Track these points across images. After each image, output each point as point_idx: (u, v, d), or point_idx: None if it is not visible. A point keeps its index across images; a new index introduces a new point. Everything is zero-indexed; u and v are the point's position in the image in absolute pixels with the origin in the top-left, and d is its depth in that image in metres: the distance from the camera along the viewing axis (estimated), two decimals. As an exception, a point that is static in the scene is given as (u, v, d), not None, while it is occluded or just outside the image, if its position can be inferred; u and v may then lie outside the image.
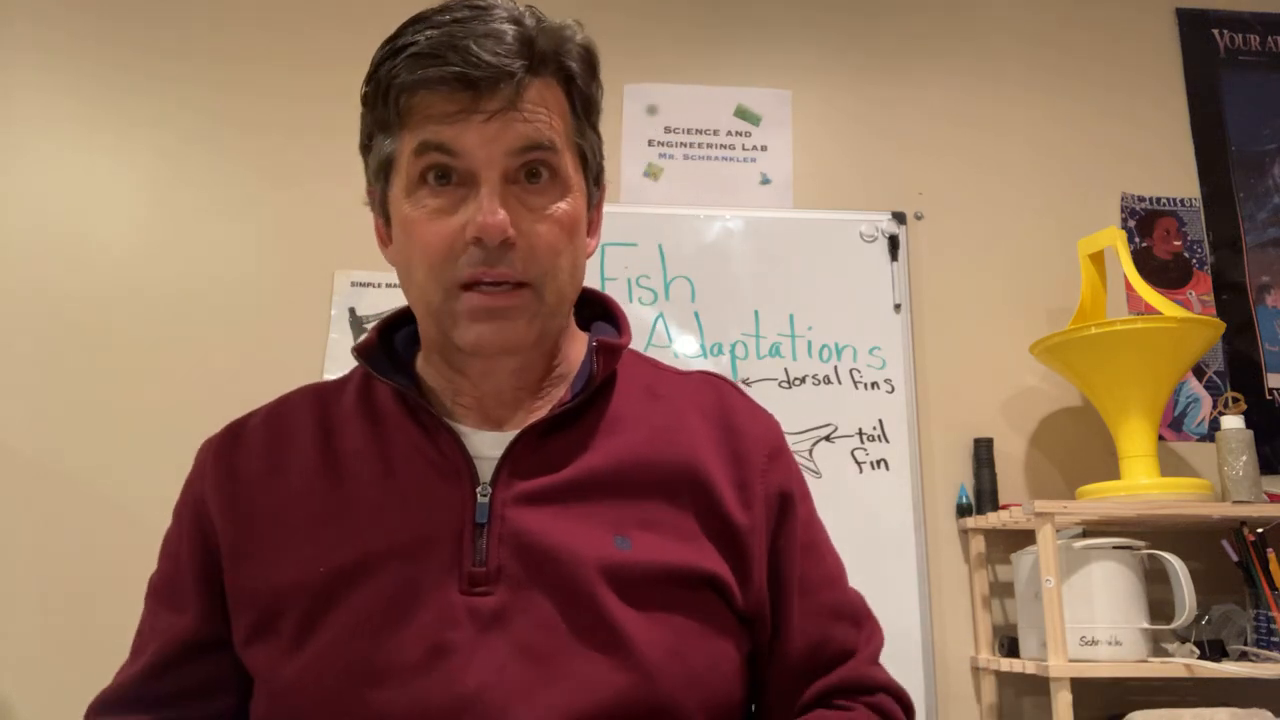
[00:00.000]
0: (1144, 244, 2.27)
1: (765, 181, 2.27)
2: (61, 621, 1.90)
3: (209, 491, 0.80)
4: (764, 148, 2.29)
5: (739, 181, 2.27)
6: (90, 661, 1.74)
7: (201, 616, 0.79)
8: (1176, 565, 1.73)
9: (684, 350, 2.12)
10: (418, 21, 0.74)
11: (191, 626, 0.79)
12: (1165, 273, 2.26)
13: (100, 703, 0.80)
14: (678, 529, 0.77)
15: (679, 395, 0.86)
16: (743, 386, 2.03)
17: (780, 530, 0.82)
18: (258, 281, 2.11)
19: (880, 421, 2.10)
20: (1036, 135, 2.34)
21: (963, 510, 2.07)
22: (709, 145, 2.29)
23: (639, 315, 2.12)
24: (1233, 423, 1.93)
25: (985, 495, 2.04)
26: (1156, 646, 1.82)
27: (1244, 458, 1.89)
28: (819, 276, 2.17)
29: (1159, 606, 1.86)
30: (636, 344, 1.71)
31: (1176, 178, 2.32)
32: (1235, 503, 1.85)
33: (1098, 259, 2.07)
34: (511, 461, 0.77)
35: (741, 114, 2.31)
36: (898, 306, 2.17)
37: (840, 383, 2.12)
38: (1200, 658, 1.74)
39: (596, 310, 0.91)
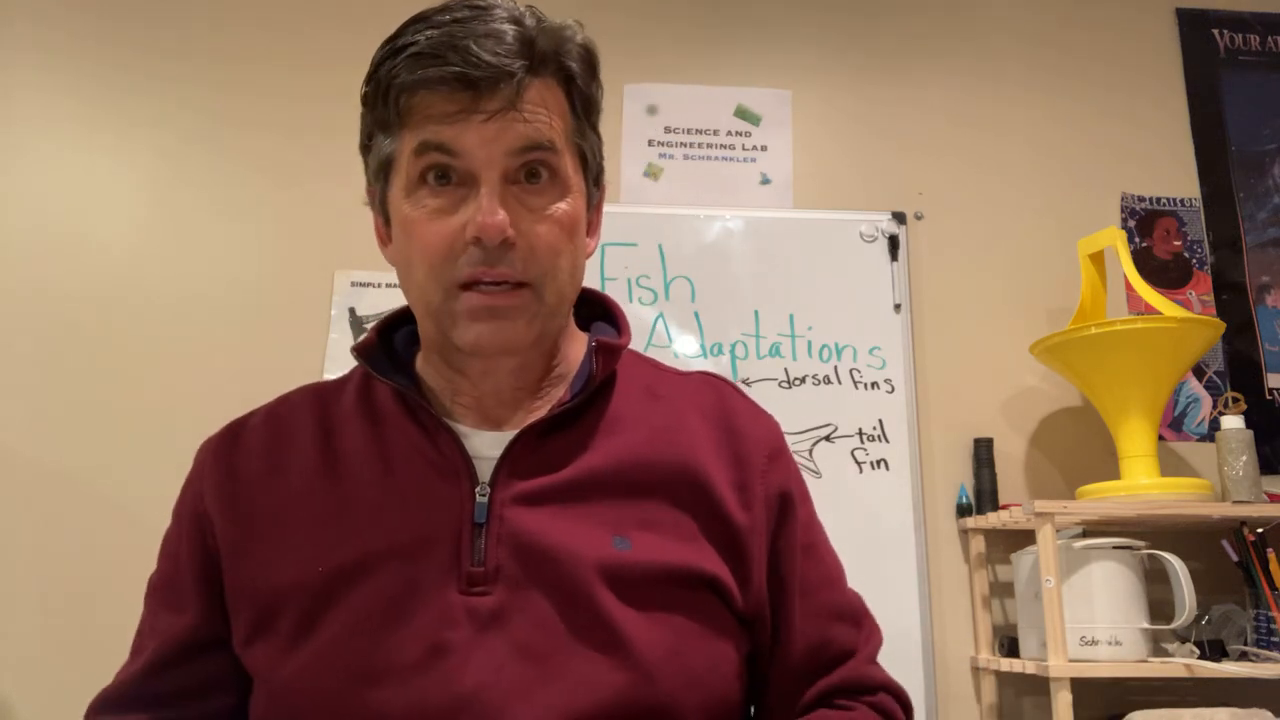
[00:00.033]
0: (1144, 244, 2.27)
1: (765, 181, 2.27)
2: (61, 621, 1.90)
3: (208, 492, 0.80)
4: (764, 148, 2.29)
5: (739, 181, 2.27)
6: (90, 661, 1.74)
7: (200, 616, 0.79)
8: (1176, 565, 1.73)
9: (684, 350, 2.12)
10: (418, 21, 0.74)
11: (190, 626, 0.79)
12: (1165, 273, 2.26)
13: (100, 702, 0.81)
14: (677, 530, 0.77)
15: (679, 396, 0.86)
16: (743, 387, 2.03)
17: (780, 532, 0.82)
18: (258, 281, 2.12)
19: (880, 421, 2.10)
20: (1036, 135, 2.34)
21: (963, 510, 2.07)
22: (709, 145, 2.29)
23: (639, 315, 2.12)
24: (1233, 423, 1.93)
25: (985, 495, 2.04)
26: (1156, 646, 1.82)
27: (1244, 458, 1.89)
28: (819, 276, 2.17)
29: (1159, 606, 1.86)
30: (636, 344, 1.70)
31: (1176, 178, 2.32)
32: (1235, 503, 1.85)
33: (1098, 259, 2.07)
34: (510, 461, 0.77)
35: (741, 114, 2.31)
36: (898, 306, 2.17)
37: (840, 383, 2.12)
38: (1200, 658, 1.74)
39: (596, 310, 0.91)
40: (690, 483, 0.79)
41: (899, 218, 2.23)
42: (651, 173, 2.26)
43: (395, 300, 0.89)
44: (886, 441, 2.09)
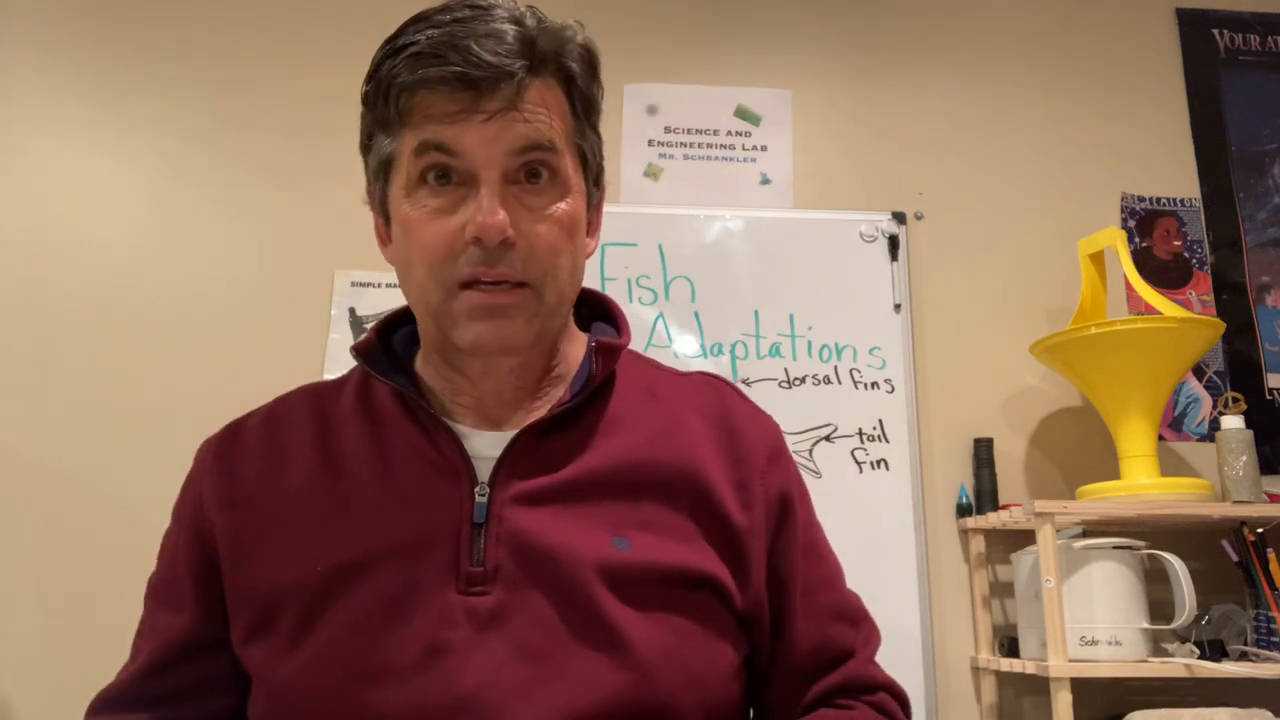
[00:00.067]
0: (1144, 244, 2.28)
1: (765, 181, 2.27)
2: (61, 621, 1.90)
3: (207, 492, 0.81)
4: (764, 148, 2.29)
5: (739, 181, 2.27)
6: (90, 661, 1.74)
7: (198, 617, 0.79)
8: (1176, 565, 1.73)
9: (684, 350, 2.12)
10: (418, 21, 0.74)
11: (188, 627, 0.79)
12: (1165, 273, 2.26)
13: (100, 701, 0.81)
14: (676, 530, 0.77)
15: (678, 396, 0.86)
16: (743, 388, 2.03)
17: (780, 533, 0.82)
18: (258, 281, 2.12)
19: (880, 421, 2.10)
20: (1036, 135, 2.34)
21: (963, 510, 2.07)
22: (709, 145, 2.29)
23: (639, 315, 2.12)
24: (1233, 423, 1.93)
25: (985, 495, 2.04)
26: (1156, 646, 1.82)
27: (1244, 458, 1.89)
28: (819, 276, 2.17)
29: (1159, 606, 1.86)
30: (636, 344, 1.70)
31: (1176, 178, 2.32)
32: (1235, 503, 1.85)
33: (1098, 259, 2.07)
34: (510, 461, 0.77)
35: (741, 114, 2.31)
36: (898, 306, 2.17)
37: (840, 383, 2.12)
38: (1200, 658, 1.74)
39: (595, 310, 0.91)
40: (689, 483, 0.79)
41: (899, 218, 2.23)
42: (651, 173, 2.26)
43: (395, 300, 0.89)
44: (886, 441, 2.09)
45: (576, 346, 0.86)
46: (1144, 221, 2.29)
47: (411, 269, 0.77)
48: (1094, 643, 1.73)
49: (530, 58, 0.74)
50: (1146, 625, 1.77)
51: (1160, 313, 1.90)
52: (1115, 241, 2.01)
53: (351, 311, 2.10)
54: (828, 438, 2.08)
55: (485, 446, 0.78)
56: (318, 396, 0.85)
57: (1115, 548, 1.79)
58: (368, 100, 0.78)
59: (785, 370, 2.12)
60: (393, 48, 0.75)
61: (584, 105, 0.80)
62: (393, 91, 0.74)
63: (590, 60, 0.80)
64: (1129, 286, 2.10)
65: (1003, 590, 2.06)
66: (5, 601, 1.91)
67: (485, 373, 0.80)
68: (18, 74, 2.19)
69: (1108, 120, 2.35)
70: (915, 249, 2.23)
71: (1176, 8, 2.43)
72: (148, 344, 2.06)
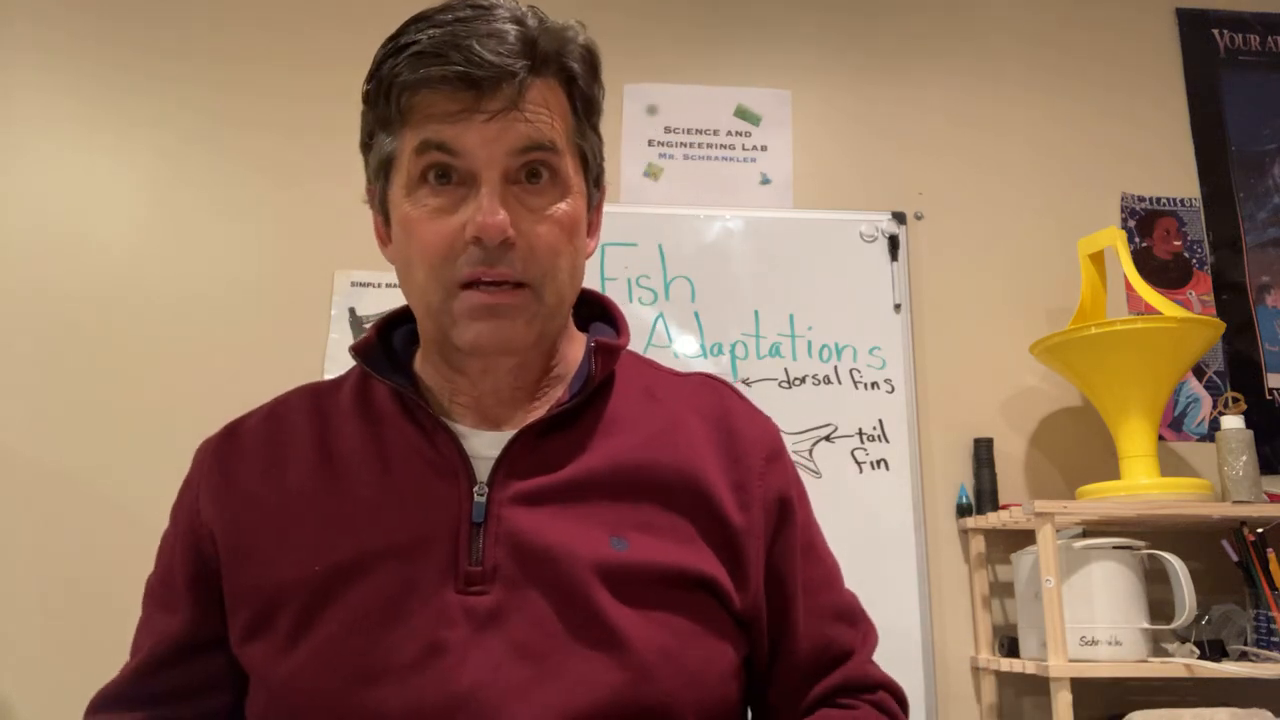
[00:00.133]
0: (1144, 244, 2.28)
1: (765, 181, 2.27)
2: (61, 621, 1.90)
3: (205, 493, 0.81)
4: (764, 148, 2.29)
5: (739, 181, 2.27)
6: (90, 661, 1.74)
7: (192, 618, 0.79)
8: (1176, 565, 1.73)
9: (684, 350, 2.12)
10: (420, 20, 0.74)
11: (183, 628, 0.79)
12: (1165, 273, 2.26)
13: (99, 700, 0.81)
14: (675, 531, 0.77)
15: (677, 397, 0.86)
16: (742, 388, 2.03)
17: (780, 535, 0.82)
18: (258, 281, 2.12)
19: (880, 421, 2.10)
20: (1036, 135, 2.34)
21: (963, 510, 2.07)
22: (709, 145, 2.29)
23: (639, 315, 2.12)
24: (1233, 423, 1.93)
25: (985, 495, 2.04)
26: (1156, 646, 1.82)
27: (1244, 458, 1.89)
28: (819, 276, 2.18)
29: (1159, 606, 1.86)
30: (636, 344, 1.70)
31: (1176, 178, 2.32)
32: (1235, 503, 1.85)
33: (1098, 259, 2.07)
34: (509, 461, 0.77)
35: (741, 114, 2.31)
36: (898, 306, 2.17)
37: (840, 383, 2.12)
38: (1200, 658, 1.74)
39: (595, 311, 0.91)
40: (688, 485, 0.79)
41: (899, 218, 2.23)
42: (651, 173, 2.26)
43: (395, 300, 0.89)
44: (886, 441, 2.09)
45: (576, 347, 0.86)
46: (1144, 221, 2.29)
47: (411, 268, 0.76)
48: (1094, 643, 1.73)
49: (532, 58, 0.74)
50: (1146, 625, 1.77)
51: (1160, 313, 1.90)
52: (1115, 241, 2.01)
53: (351, 311, 2.10)
54: (828, 438, 2.08)
55: (484, 446, 0.78)
56: (316, 396, 0.85)
57: (1115, 548, 1.79)
58: (368, 99, 0.77)
59: (785, 370, 2.12)
60: (394, 47, 0.75)
61: (585, 106, 0.80)
62: (394, 90, 0.74)
63: (591, 61, 0.80)
64: (1129, 286, 2.10)
65: (1003, 590, 2.06)
66: (5, 601, 1.91)
67: (485, 373, 0.80)
68: (18, 74, 2.19)
69: (1108, 120, 2.35)
70: (915, 249, 2.23)
71: (1176, 8, 2.44)
72: (148, 344, 2.06)
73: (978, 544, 2.04)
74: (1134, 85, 2.38)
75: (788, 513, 0.83)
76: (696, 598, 0.76)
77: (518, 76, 0.73)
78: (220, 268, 2.12)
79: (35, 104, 2.17)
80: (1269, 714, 1.62)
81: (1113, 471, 1.99)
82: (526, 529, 0.74)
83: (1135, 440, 1.89)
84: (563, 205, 0.77)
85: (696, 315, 2.14)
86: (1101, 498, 1.87)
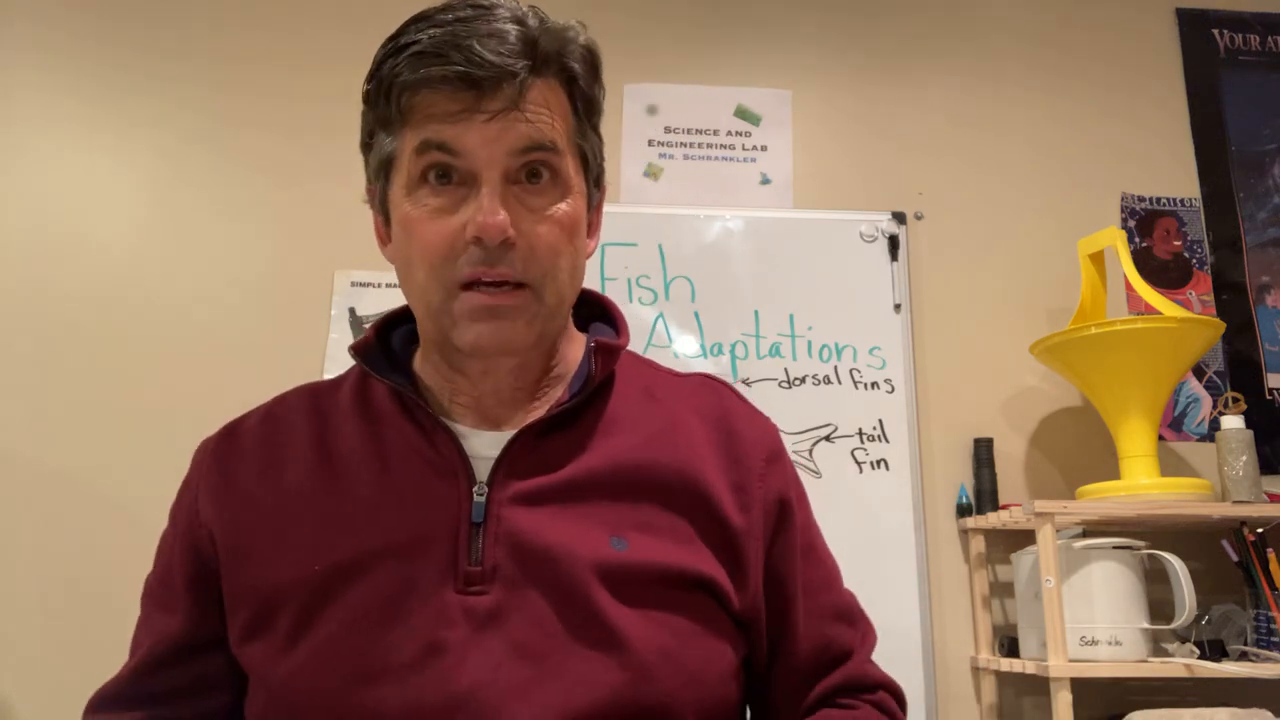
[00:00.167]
0: (1144, 244, 2.28)
1: (765, 181, 2.27)
2: (61, 621, 1.90)
3: (204, 493, 0.81)
4: (764, 148, 2.29)
5: (739, 181, 2.27)
6: (90, 661, 1.74)
7: (190, 619, 0.79)
8: (1176, 565, 1.73)
9: (684, 350, 2.12)
10: (420, 20, 0.74)
11: (181, 628, 0.79)
12: (1165, 273, 2.26)
13: (97, 699, 0.81)
14: (674, 532, 0.77)
15: (677, 398, 0.86)
16: (742, 388, 2.03)
17: (779, 536, 0.82)
18: (258, 281, 2.12)
19: (880, 421, 2.10)
20: (1036, 135, 2.34)
21: (963, 510, 2.07)
22: (709, 145, 2.29)
23: (639, 315, 2.12)
24: (1233, 423, 1.93)
25: (985, 495, 2.04)
26: (1156, 646, 1.82)
27: (1244, 458, 1.89)
28: (819, 276, 2.18)
29: (1159, 606, 1.86)
30: (636, 344, 1.70)
31: (1176, 178, 2.32)
32: (1235, 503, 1.85)
33: (1098, 259, 2.07)
34: (508, 461, 0.77)
35: (741, 114, 2.31)
36: (898, 306, 2.17)
37: (840, 383, 2.12)
38: (1200, 658, 1.74)
39: (594, 311, 0.91)
40: (688, 485, 0.79)
41: (899, 218, 2.23)
42: (651, 173, 2.26)
43: (395, 300, 0.89)
44: (886, 441, 2.09)
45: (575, 347, 0.86)
46: (1144, 221, 2.29)
47: (412, 268, 0.76)
48: (1094, 643, 1.73)
49: (533, 58, 0.74)
50: (1146, 625, 1.77)
51: (1160, 313, 1.90)
52: (1115, 241, 2.01)
53: (351, 311, 2.10)
54: (828, 438, 2.08)
55: (484, 446, 0.78)
56: (315, 396, 0.85)
57: (1115, 548, 1.79)
58: (369, 99, 0.77)
59: (785, 370, 2.12)
60: (394, 46, 0.75)
61: (585, 106, 0.80)
62: (394, 90, 0.74)
63: (592, 61, 0.80)
64: (1129, 286, 2.10)
65: (1003, 590, 2.06)
66: (5, 601, 1.91)
67: (485, 373, 0.80)
68: (18, 74, 2.18)
69: (1108, 120, 2.35)
70: (915, 249, 2.23)
71: (1176, 8, 2.44)
72: (148, 344, 2.06)
73: (978, 544, 2.04)
74: (1134, 85, 2.38)
75: (787, 514, 0.83)
76: (696, 598, 0.76)
77: (518, 77, 0.73)
78: (220, 268, 2.12)
79: (35, 104, 2.17)
80: (1269, 714, 1.62)
81: (1113, 471, 1.99)
82: (526, 529, 0.74)
83: (1135, 440, 1.89)
84: (563, 205, 0.77)
85: (696, 315, 2.14)
86: (1101, 498, 1.87)
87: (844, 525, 2.01)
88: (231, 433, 0.84)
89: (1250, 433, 1.92)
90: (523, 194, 0.75)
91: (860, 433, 2.09)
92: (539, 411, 0.81)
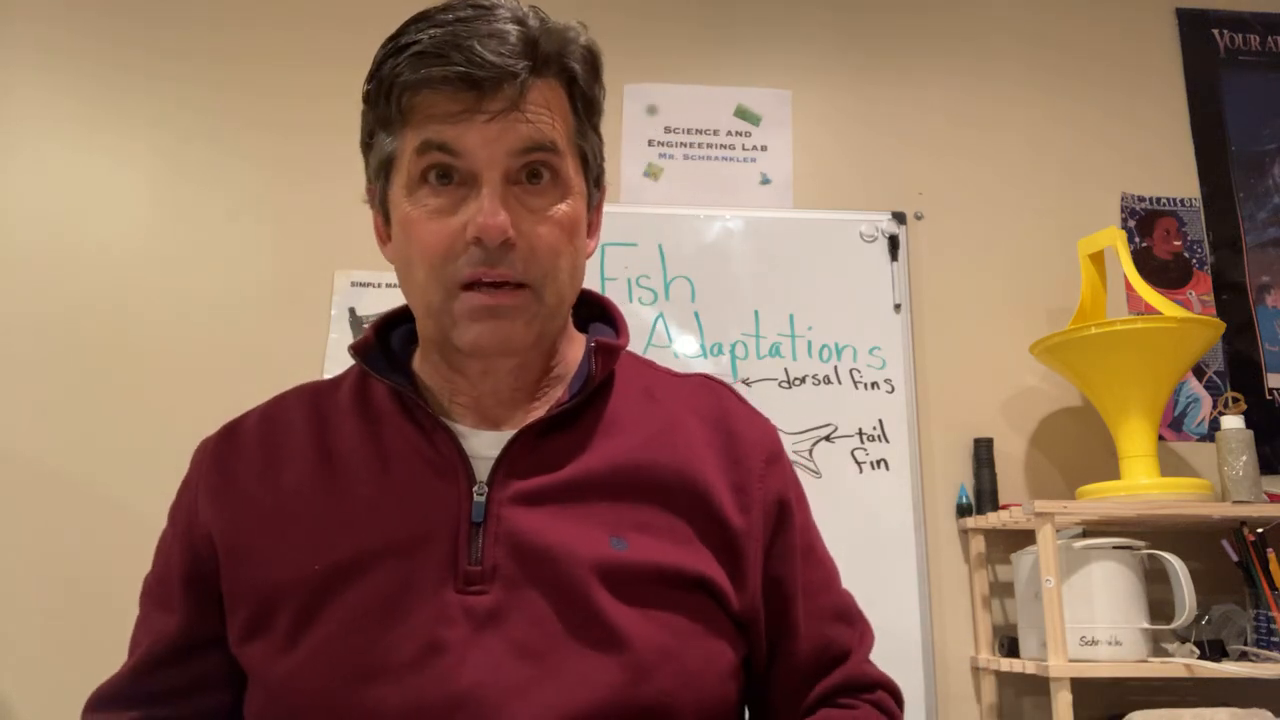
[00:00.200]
0: (1144, 244, 2.28)
1: (765, 181, 2.27)
2: (61, 621, 1.90)
3: (203, 493, 0.81)
4: (764, 148, 2.29)
5: (739, 181, 2.27)
6: (90, 661, 1.73)
7: (187, 619, 0.79)
8: (1176, 565, 1.73)
9: (684, 350, 2.12)
10: (421, 20, 0.74)
11: (179, 628, 0.79)
12: (1165, 273, 2.26)
13: (96, 699, 0.81)
14: (673, 532, 0.77)
15: (677, 398, 0.86)
16: (742, 389, 2.03)
17: (779, 537, 0.83)
18: (257, 281, 2.12)
19: (880, 421, 2.10)
20: (1036, 135, 2.34)
21: (963, 510, 2.07)
22: (709, 145, 2.29)
23: (639, 315, 2.12)
24: (1233, 423, 1.93)
25: (985, 495, 2.04)
26: (1156, 646, 1.82)
27: (1244, 458, 1.89)
28: (819, 276, 2.18)
29: (1159, 606, 1.86)
30: (636, 344, 1.70)
31: (1176, 178, 2.32)
32: (1235, 503, 1.85)
33: (1098, 259, 2.07)
34: (509, 461, 0.77)
35: (741, 114, 2.31)
36: (898, 306, 2.17)
37: (840, 383, 2.12)
38: (1200, 658, 1.74)
39: (594, 311, 0.91)
40: (687, 486, 0.79)
41: (899, 218, 2.23)
42: (651, 173, 2.26)
43: (395, 300, 0.89)
44: (886, 441, 2.09)
45: (575, 347, 0.86)
46: (1144, 221, 2.29)
47: (412, 268, 0.76)
48: (1094, 643, 1.73)
49: (533, 58, 0.74)
50: (1146, 625, 1.77)
51: (1160, 313, 1.90)
52: (1115, 241, 2.01)
53: (351, 311, 2.10)
54: (828, 438, 2.08)
55: (483, 446, 0.78)
56: (314, 395, 0.85)
57: (1115, 548, 1.79)
58: (369, 99, 0.77)
59: (785, 370, 2.12)
60: (395, 46, 0.74)
61: (586, 106, 0.80)
62: (395, 90, 0.74)
63: (593, 61, 0.80)
64: (1129, 286, 2.10)
65: (1003, 590, 2.06)
66: (5, 601, 1.91)
67: (485, 373, 0.80)
68: (18, 74, 2.18)
69: (1108, 120, 2.35)
70: (915, 249, 2.23)
71: (1176, 8, 2.44)
72: (148, 344, 2.06)
73: (978, 544, 2.04)
74: (1134, 85, 2.38)
75: (787, 515, 0.83)
76: (695, 598, 0.76)
77: (519, 77, 0.73)
78: (220, 267, 2.12)
79: (35, 104, 2.17)
80: (1269, 714, 1.62)
81: (1113, 471, 1.99)
82: (526, 529, 0.74)
83: (1135, 440, 1.89)
84: (563, 206, 0.77)
85: (696, 315, 2.14)
86: (1101, 498, 1.87)
87: (844, 525, 2.01)
88: (231, 433, 0.84)
89: (1250, 433, 1.92)
90: (523, 194, 0.75)
91: (860, 433, 2.09)
92: (539, 412, 0.81)
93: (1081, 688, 1.71)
